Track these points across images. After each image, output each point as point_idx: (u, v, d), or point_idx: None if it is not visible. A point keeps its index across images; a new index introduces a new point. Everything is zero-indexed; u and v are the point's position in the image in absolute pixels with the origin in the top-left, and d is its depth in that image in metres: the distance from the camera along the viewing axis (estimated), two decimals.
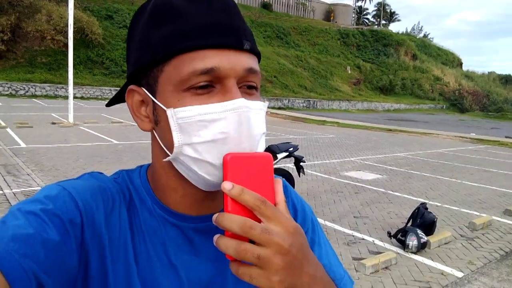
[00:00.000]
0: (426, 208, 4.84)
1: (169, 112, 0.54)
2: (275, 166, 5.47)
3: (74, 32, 14.44)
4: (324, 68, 47.15)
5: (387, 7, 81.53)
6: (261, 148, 0.56)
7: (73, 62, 14.48)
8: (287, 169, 6.48)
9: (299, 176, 5.81)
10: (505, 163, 11.46)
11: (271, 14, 52.64)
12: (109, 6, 36.42)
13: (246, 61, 0.56)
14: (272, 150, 5.41)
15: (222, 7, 0.56)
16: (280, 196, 0.52)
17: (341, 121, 23.58)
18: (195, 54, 0.53)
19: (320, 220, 5.05)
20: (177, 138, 0.55)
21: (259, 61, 0.61)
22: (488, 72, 69.73)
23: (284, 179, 0.76)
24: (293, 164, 5.76)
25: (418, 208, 4.81)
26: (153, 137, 0.61)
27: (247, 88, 0.57)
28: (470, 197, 7.03)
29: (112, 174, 0.68)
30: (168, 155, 0.57)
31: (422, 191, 7.26)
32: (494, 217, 5.67)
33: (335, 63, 49.89)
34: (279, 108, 33.70)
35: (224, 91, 0.54)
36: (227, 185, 0.48)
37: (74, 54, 14.54)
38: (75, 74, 16.35)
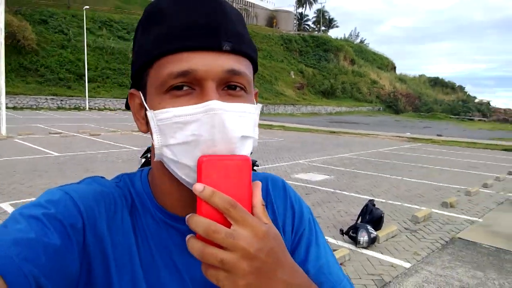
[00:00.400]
0: (374, 205, 5.12)
1: (149, 114, 0.56)
2: None
3: (4, 37, 13.44)
4: (269, 73, 48.01)
5: (326, 14, 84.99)
6: (243, 152, 0.55)
7: (4, 70, 13.45)
8: None
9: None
10: (438, 159, 12.41)
11: None
12: (43, 10, 34.43)
13: (225, 62, 0.54)
14: None
15: (204, 8, 0.55)
16: (257, 199, 0.51)
17: (287, 125, 24.13)
18: (172, 57, 0.54)
19: None
20: (157, 139, 0.56)
21: (254, 62, 0.61)
22: (419, 75, 75.10)
23: (282, 180, 0.77)
24: None
25: (366, 205, 5.08)
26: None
27: (231, 89, 0.56)
28: (410, 192, 7.53)
29: (113, 178, 0.68)
30: None
31: (367, 189, 7.66)
32: (433, 210, 6.13)
33: (279, 68, 51.02)
34: None
35: (201, 93, 0.54)
36: (198, 187, 0.48)
37: (5, 61, 13.51)
38: (6, 82, 15.18)
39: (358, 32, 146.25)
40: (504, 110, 54.20)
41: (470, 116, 46.78)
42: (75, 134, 14.44)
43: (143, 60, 0.57)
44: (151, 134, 0.57)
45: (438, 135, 21.40)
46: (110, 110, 29.96)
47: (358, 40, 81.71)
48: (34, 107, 26.85)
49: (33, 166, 8.47)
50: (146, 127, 0.61)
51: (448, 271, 3.96)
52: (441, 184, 8.40)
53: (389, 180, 8.62)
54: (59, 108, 28.07)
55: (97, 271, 0.56)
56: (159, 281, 0.59)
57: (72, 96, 29.04)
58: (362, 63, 64.39)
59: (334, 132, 20.98)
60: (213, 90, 0.53)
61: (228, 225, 0.47)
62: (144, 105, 0.59)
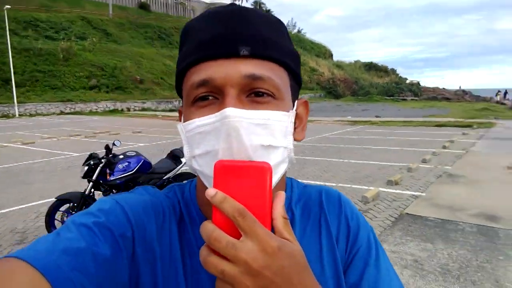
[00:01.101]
0: None
1: (179, 126, 0.58)
2: (181, 171, 5.35)
3: None
4: None
5: (262, 6, 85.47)
6: (266, 160, 0.51)
7: None
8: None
9: None
10: (379, 139, 13.07)
11: (150, 14, 50.92)
12: None
13: (244, 67, 0.53)
14: (175, 154, 5.28)
15: (222, 17, 0.56)
16: (277, 211, 0.47)
17: None
18: (194, 69, 0.55)
19: None
20: (186, 151, 0.57)
21: (289, 68, 0.58)
22: (354, 60, 78.29)
23: (339, 193, 0.73)
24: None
25: None
26: None
27: (256, 96, 0.54)
28: (358, 173, 7.85)
29: (164, 189, 0.68)
30: None
31: (317, 174, 7.87)
32: (380, 189, 6.44)
33: None
34: (170, 110, 32.94)
35: (222, 101, 0.53)
36: (210, 192, 0.45)
37: None
38: None
39: (295, 22, 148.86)
40: (433, 88, 58.14)
41: (403, 97, 49.61)
42: (6, 144, 13.31)
43: (176, 76, 0.59)
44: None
45: (376, 117, 22.51)
46: (43, 115, 27.96)
47: (295, 30, 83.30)
48: None
49: None
50: None
51: (401, 247, 4.18)
52: (384, 163, 8.84)
53: (337, 164, 8.92)
54: None
55: (145, 282, 0.56)
56: None
57: None
58: (301, 51, 65.81)
59: None
60: (232, 97, 0.52)
61: (239, 235, 0.44)
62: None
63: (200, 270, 0.57)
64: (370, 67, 76.15)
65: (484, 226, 4.71)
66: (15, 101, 26.55)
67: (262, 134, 0.52)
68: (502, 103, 35.09)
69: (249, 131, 0.51)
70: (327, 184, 6.65)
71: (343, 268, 0.65)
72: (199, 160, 0.55)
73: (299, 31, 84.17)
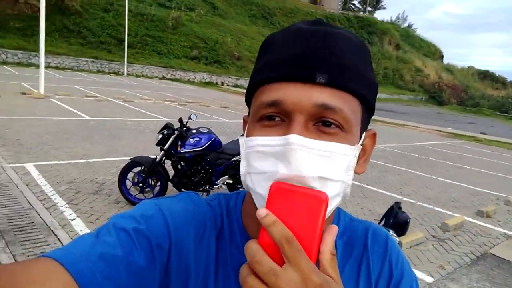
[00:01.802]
0: (400, 208, 4.75)
1: (241, 140, 0.57)
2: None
3: None
4: None
5: None
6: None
7: (48, 30, 13.73)
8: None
9: None
10: (478, 160, 11.65)
11: None
12: None
13: (317, 95, 0.51)
14: (226, 152, 5.13)
15: (304, 36, 0.53)
16: (326, 246, 0.45)
17: None
18: (267, 86, 0.53)
19: None
20: (243, 166, 0.56)
21: (365, 100, 0.56)
22: (468, 66, 71.05)
23: (389, 235, 0.68)
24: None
25: (392, 208, 4.72)
26: None
27: (324, 125, 0.52)
28: (444, 194, 7.05)
29: (209, 196, 0.68)
30: None
31: (397, 186, 7.24)
32: (466, 218, 5.68)
33: None
34: None
35: (288, 126, 0.51)
36: (261, 212, 0.45)
37: (49, 21, 13.79)
38: (49, 42, 15.41)
39: (406, 16, 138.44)
40: None
41: None
42: (110, 99, 14.64)
43: (248, 86, 0.58)
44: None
45: (482, 133, 20.20)
46: (147, 77, 30.31)
47: (405, 24, 77.81)
48: (75, 68, 27.54)
49: (64, 128, 8.61)
50: None
51: None
52: (479, 189, 7.82)
53: (422, 179, 8.12)
54: (98, 71, 28.66)
55: None
56: None
57: (112, 61, 29.50)
58: (407, 48, 61.49)
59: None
60: (299, 124, 0.51)
61: (283, 262, 0.43)
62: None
63: None
64: (485, 75, 68.43)
65: None
66: (125, 60, 29.09)
67: (323, 165, 0.50)
68: None
69: (311, 162, 0.49)
70: (404, 198, 6.08)
71: None
72: (254, 177, 0.54)
73: (409, 26, 78.47)
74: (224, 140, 6.29)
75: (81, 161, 6.28)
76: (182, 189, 4.83)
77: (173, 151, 4.71)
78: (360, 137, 0.57)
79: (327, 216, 0.51)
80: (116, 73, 29.20)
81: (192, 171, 4.81)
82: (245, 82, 34.19)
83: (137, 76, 29.99)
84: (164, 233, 0.55)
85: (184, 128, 4.81)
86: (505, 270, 4.18)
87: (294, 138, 0.49)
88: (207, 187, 4.93)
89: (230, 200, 0.66)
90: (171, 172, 4.93)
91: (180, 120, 4.82)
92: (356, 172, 0.57)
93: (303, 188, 0.47)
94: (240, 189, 4.42)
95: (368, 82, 0.56)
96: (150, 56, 32.25)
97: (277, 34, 0.57)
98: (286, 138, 0.49)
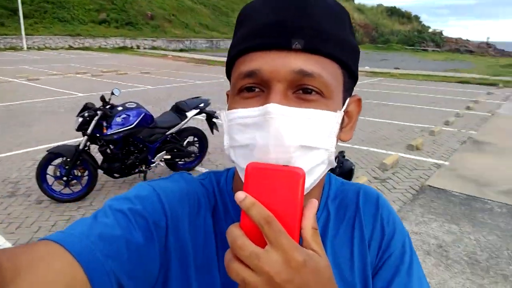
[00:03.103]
0: (344, 156, 4.80)
1: (222, 114, 0.57)
2: (186, 125, 4.91)
3: None
4: (225, 4, 45.20)
5: None
6: (304, 164, 0.49)
7: None
8: (199, 128, 5.97)
9: (212, 133, 5.35)
10: (398, 95, 12.34)
11: None
12: None
13: (295, 62, 0.50)
14: (180, 107, 4.80)
15: (278, 3, 0.52)
16: (307, 221, 0.45)
17: None
18: (244, 58, 0.53)
19: None
20: (226, 140, 0.56)
21: (345, 65, 0.55)
22: (377, 4, 74.01)
23: (378, 194, 0.69)
24: (205, 120, 5.25)
25: (337, 157, 4.76)
26: None
27: (304, 92, 0.51)
28: (375, 134, 7.35)
29: (199, 175, 0.68)
30: None
31: None
32: (400, 154, 5.97)
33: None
34: (181, 50, 31.91)
35: (267, 95, 0.51)
36: (239, 195, 0.44)
37: None
38: None
39: None
40: (456, 39, 55.23)
41: (425, 47, 47.39)
42: (11, 79, 12.91)
43: (227, 61, 0.58)
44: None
45: (395, 68, 21.42)
46: (52, 49, 27.23)
47: None
48: None
49: None
50: None
51: (423, 227, 3.79)
52: (404, 123, 8.28)
53: None
54: None
55: (176, 272, 0.56)
56: None
57: (7, 35, 25.82)
58: None
59: None
60: (277, 93, 0.50)
61: (265, 244, 0.43)
62: None
63: None
64: (393, 12, 71.97)
65: None
66: (23, 33, 25.69)
67: (303, 133, 0.50)
68: None
69: (290, 130, 0.49)
70: (341, 144, 6.19)
71: (372, 273, 0.63)
72: (236, 151, 0.54)
73: None
74: (152, 110, 5.81)
75: None
76: (115, 175, 4.39)
77: (98, 135, 4.19)
78: (344, 103, 0.56)
79: (311, 185, 0.53)
80: (14, 49, 25.75)
81: (124, 153, 4.35)
82: (162, 42, 32.31)
83: (39, 49, 26.79)
84: (159, 211, 0.55)
85: (108, 106, 4.26)
86: (443, 199, 4.46)
87: (272, 107, 0.48)
88: (143, 167, 4.53)
89: (220, 177, 0.66)
90: (99, 158, 4.43)
91: (102, 98, 4.24)
92: (341, 139, 0.57)
93: (278, 166, 0.46)
94: (179, 163, 4.08)
95: (347, 46, 0.54)
96: (51, 25, 28.78)
97: (251, 4, 0.56)
98: (264, 108, 0.49)
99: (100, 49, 28.89)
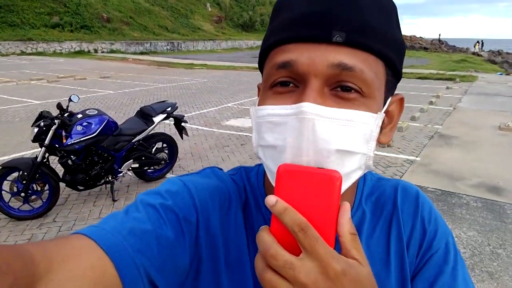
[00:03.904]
0: None
1: (251, 110, 0.54)
2: (153, 132, 4.64)
3: None
4: (183, 5, 44.59)
5: None
6: (339, 169, 0.45)
7: None
8: (167, 133, 5.69)
9: (182, 138, 5.10)
10: None
11: None
12: None
13: (334, 55, 0.46)
14: (146, 113, 4.52)
15: None
16: (344, 227, 0.42)
17: (209, 63, 22.88)
18: (279, 48, 0.50)
19: None
20: (254, 137, 0.53)
21: (390, 62, 0.51)
22: None
23: (417, 190, 0.65)
24: (173, 125, 4.99)
25: None
26: None
27: (342, 90, 0.47)
28: None
29: (230, 169, 0.67)
30: None
31: None
32: None
33: (194, 0, 47.53)
34: (141, 53, 31.09)
35: (301, 92, 0.47)
36: (270, 200, 0.42)
37: None
38: None
39: None
40: (410, 37, 57.35)
41: None
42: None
43: (260, 53, 0.55)
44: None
45: None
46: (2, 55, 25.65)
47: None
48: None
49: None
50: None
51: None
52: None
53: None
54: None
55: (207, 268, 0.55)
56: None
57: None
58: None
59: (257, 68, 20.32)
60: (313, 90, 0.46)
61: (299, 250, 0.40)
62: None
63: None
64: None
65: (489, 200, 4.32)
66: None
67: (341, 137, 0.46)
68: (479, 55, 35.00)
69: (326, 133, 0.45)
70: None
71: (412, 274, 0.60)
72: (265, 151, 0.51)
73: None
74: (114, 116, 5.48)
75: None
76: (79, 187, 4.05)
77: (57, 145, 3.84)
78: (385, 103, 0.52)
79: (344, 190, 0.47)
80: None
81: (87, 164, 4.02)
82: (120, 45, 31.31)
83: None
84: (190, 207, 0.54)
85: (66, 114, 3.92)
86: None
87: (307, 107, 0.45)
88: (110, 178, 4.22)
89: (251, 173, 0.64)
90: (60, 170, 4.08)
91: (59, 106, 3.88)
92: (380, 142, 0.53)
93: (313, 169, 0.43)
94: (148, 171, 3.82)
95: (393, 42, 0.50)
96: (0, 30, 27.15)
97: None
98: (298, 107, 0.45)
99: (55, 54, 27.53)
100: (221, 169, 0.65)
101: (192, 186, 0.57)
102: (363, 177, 0.65)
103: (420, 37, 57.87)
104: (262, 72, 0.55)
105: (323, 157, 0.45)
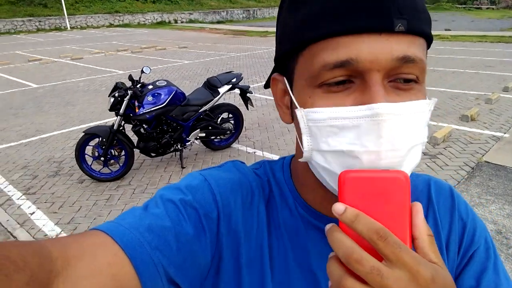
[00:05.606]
0: None
1: (299, 112, 0.48)
2: (220, 102, 4.74)
3: None
4: None
5: None
6: (410, 165, 0.45)
7: None
8: (232, 104, 5.78)
9: (247, 109, 5.15)
10: (449, 59, 11.41)
11: None
12: None
13: (397, 47, 0.42)
14: (212, 83, 4.62)
15: None
16: (420, 229, 0.40)
17: None
18: (326, 42, 0.44)
19: (274, 155, 4.57)
20: (306, 142, 0.48)
21: (429, 40, 0.47)
22: None
23: (450, 185, 0.64)
24: (238, 96, 5.05)
25: None
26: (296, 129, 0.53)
27: (402, 82, 0.45)
28: None
29: (253, 163, 0.65)
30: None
31: None
32: (453, 126, 5.47)
33: None
34: (218, 22, 31.55)
35: (363, 89, 0.43)
36: (338, 208, 0.40)
37: None
38: None
39: None
40: None
41: (478, 5, 43.66)
42: (56, 59, 13.31)
43: (290, 45, 0.49)
44: (299, 133, 0.50)
45: (446, 30, 19.89)
46: (94, 27, 27.83)
47: None
48: (12, 31, 24.90)
49: (9, 102, 7.73)
50: (289, 117, 0.55)
51: (479, 209, 3.43)
52: (456, 90, 7.62)
53: None
54: (38, 30, 26.02)
55: (228, 265, 0.54)
56: (289, 283, 0.55)
57: (50, 16, 26.66)
58: None
59: None
60: (379, 86, 0.42)
61: (379, 256, 0.38)
62: (287, 92, 0.53)
63: (289, 259, 0.55)
64: None
65: None
66: (65, 13, 26.38)
67: (413, 132, 0.44)
68: None
69: (403, 131, 0.43)
70: None
71: (455, 273, 0.59)
72: (328, 156, 0.46)
73: None
74: (188, 85, 5.70)
75: (34, 138, 5.62)
76: (151, 154, 4.34)
77: (131, 114, 4.12)
78: None
79: None
80: (58, 29, 26.60)
81: (158, 132, 4.27)
82: (198, 15, 32.04)
83: (82, 28, 27.48)
84: (210, 202, 0.53)
85: (138, 85, 4.16)
86: (503, 177, 4.02)
87: (382, 107, 0.41)
88: (179, 146, 4.45)
89: (275, 166, 0.62)
90: (135, 137, 4.39)
91: (131, 78, 4.13)
92: None
93: (376, 172, 0.41)
94: (214, 141, 3.93)
95: (430, 18, 0.47)
96: (91, 4, 29.31)
97: None
98: (371, 108, 0.42)
99: (139, 25, 29.15)
100: (243, 162, 0.64)
101: (213, 181, 0.56)
102: None
103: None
104: (286, 66, 0.51)
105: (400, 157, 0.43)
